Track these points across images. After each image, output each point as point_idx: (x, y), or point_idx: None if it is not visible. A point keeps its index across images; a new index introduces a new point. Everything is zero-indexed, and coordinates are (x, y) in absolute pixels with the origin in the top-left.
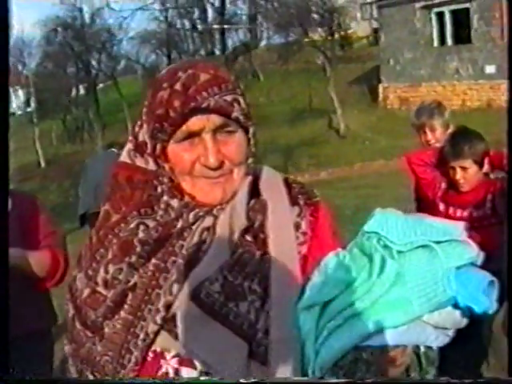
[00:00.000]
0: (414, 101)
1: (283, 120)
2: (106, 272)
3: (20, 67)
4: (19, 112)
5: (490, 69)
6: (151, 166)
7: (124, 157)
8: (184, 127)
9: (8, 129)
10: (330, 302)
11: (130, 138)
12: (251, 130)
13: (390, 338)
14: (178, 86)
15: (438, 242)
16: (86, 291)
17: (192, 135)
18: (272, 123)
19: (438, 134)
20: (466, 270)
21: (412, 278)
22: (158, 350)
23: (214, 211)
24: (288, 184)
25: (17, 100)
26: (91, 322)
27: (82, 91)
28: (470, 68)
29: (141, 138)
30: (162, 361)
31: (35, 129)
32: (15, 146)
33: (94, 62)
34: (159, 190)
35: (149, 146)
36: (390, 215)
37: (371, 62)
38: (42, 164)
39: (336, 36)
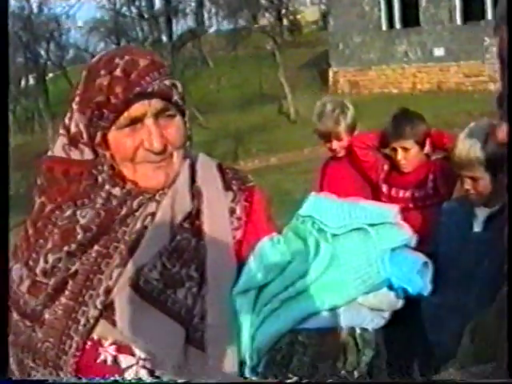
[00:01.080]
0: (363, 85)
1: (233, 106)
2: (46, 262)
3: None
4: None
5: (438, 51)
6: (87, 155)
7: (58, 151)
8: (126, 113)
9: (8, 128)
10: (266, 286)
11: (62, 131)
12: (187, 114)
13: (326, 320)
14: (118, 72)
15: (372, 225)
16: (27, 282)
17: (134, 121)
18: (222, 109)
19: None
20: (399, 252)
21: (347, 260)
22: (96, 337)
23: (157, 196)
24: (222, 169)
25: None
26: (31, 310)
27: (31, 81)
28: (419, 51)
29: (74, 130)
30: (100, 348)
31: None
32: None
33: (42, 52)
34: (99, 179)
35: (84, 135)
36: (325, 199)
37: (321, 47)
38: None
39: (285, 21)
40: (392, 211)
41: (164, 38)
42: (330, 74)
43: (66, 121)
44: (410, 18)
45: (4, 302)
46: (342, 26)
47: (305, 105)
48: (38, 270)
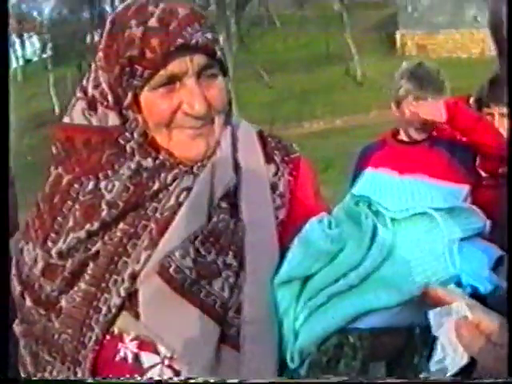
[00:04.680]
0: (432, 48)
1: (299, 66)
2: (65, 242)
3: (35, 14)
4: (34, 59)
5: None
6: (113, 120)
7: (78, 117)
8: (163, 71)
9: (8, 125)
10: (312, 277)
11: (80, 94)
12: (229, 74)
13: (382, 319)
14: (153, 22)
15: (438, 210)
16: (40, 264)
17: (172, 79)
18: (288, 70)
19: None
20: (471, 243)
21: (408, 250)
22: (116, 331)
23: (195, 169)
24: (263, 138)
25: (31, 46)
26: (45, 296)
27: (96, 37)
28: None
29: (94, 91)
30: (120, 344)
31: (50, 75)
32: (30, 93)
33: (108, 8)
34: (127, 148)
35: (109, 96)
36: (383, 176)
37: (389, 9)
38: (57, 111)
39: None
40: (462, 192)
41: None
42: (398, 36)
43: (84, 82)
44: None
45: (4, 302)
46: None
47: (371, 67)
48: (53, 251)
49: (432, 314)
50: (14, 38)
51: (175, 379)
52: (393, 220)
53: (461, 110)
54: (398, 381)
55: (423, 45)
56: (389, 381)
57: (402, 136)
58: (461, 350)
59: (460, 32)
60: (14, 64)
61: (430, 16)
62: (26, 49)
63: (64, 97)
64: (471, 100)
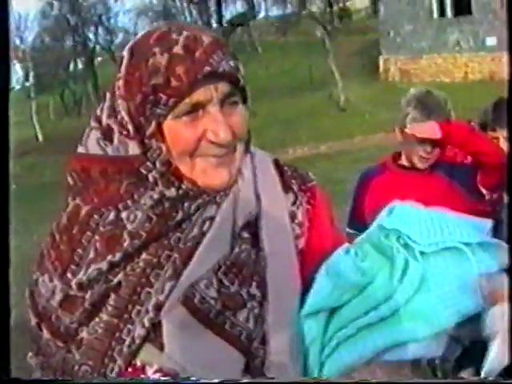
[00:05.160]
0: (414, 73)
1: (283, 92)
2: (86, 273)
3: (17, 41)
4: (17, 87)
5: (491, 41)
6: (133, 149)
7: (92, 147)
8: (188, 99)
9: (8, 124)
10: (341, 308)
11: (94, 124)
12: (248, 103)
13: (410, 351)
14: (178, 50)
15: (468, 244)
16: (59, 296)
17: (196, 108)
18: (271, 96)
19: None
20: (498, 277)
21: (438, 284)
22: (139, 363)
23: (217, 198)
24: (280, 167)
25: (15, 74)
26: (64, 328)
27: (79, 65)
28: (471, 40)
29: (107, 121)
30: (143, 376)
31: (33, 103)
32: (13, 121)
33: (91, 36)
34: (150, 178)
35: (130, 126)
36: (411, 210)
37: (371, 34)
38: (40, 138)
39: (335, 8)
40: (487, 226)
41: (213, 23)
42: (381, 61)
43: (98, 111)
44: (462, 6)
45: (4, 302)
46: (393, 13)
47: (355, 92)
48: (73, 283)
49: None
50: None
51: (177, 379)
52: (422, 253)
53: (453, 125)
54: (400, 381)
55: (406, 70)
56: (387, 381)
57: (403, 161)
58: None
59: (442, 56)
60: None
61: (413, 41)
62: None
63: (47, 125)
64: (474, 124)
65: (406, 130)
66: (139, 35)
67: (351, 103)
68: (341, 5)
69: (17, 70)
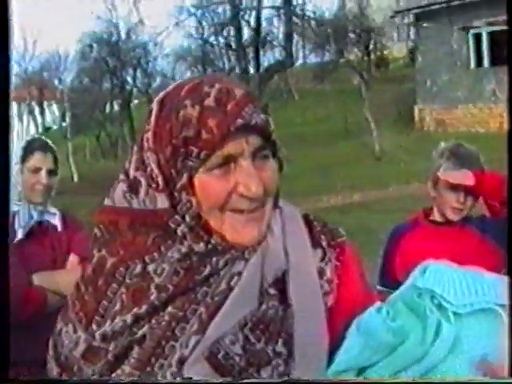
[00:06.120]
0: (450, 123)
1: (318, 140)
2: (110, 324)
3: (55, 82)
4: (54, 127)
5: None
6: (162, 203)
7: (119, 200)
8: (219, 152)
9: (9, 131)
10: (370, 368)
11: (122, 176)
12: (280, 157)
13: None
14: (210, 102)
15: (502, 306)
16: (82, 346)
17: (227, 161)
18: (306, 143)
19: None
20: None
21: (471, 346)
22: None
23: (246, 253)
24: (308, 222)
25: (51, 115)
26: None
27: (116, 107)
28: (508, 90)
29: (134, 174)
30: None
31: (69, 144)
32: None
33: (129, 79)
34: (178, 232)
35: (160, 179)
36: (446, 269)
37: (407, 83)
38: (75, 179)
39: (372, 56)
40: None
41: (251, 69)
42: (416, 111)
43: (126, 164)
44: (499, 56)
45: (4, 302)
46: (430, 63)
47: (390, 141)
48: (97, 334)
49: None
50: (34, 106)
51: (177, 379)
52: (455, 314)
53: (487, 174)
54: (392, 381)
55: (441, 119)
56: (387, 381)
57: (435, 216)
58: None
59: (478, 107)
60: (33, 131)
61: (449, 91)
62: (45, 116)
63: (83, 165)
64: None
65: (439, 175)
66: (170, 87)
67: (386, 152)
68: (378, 53)
69: (53, 110)
